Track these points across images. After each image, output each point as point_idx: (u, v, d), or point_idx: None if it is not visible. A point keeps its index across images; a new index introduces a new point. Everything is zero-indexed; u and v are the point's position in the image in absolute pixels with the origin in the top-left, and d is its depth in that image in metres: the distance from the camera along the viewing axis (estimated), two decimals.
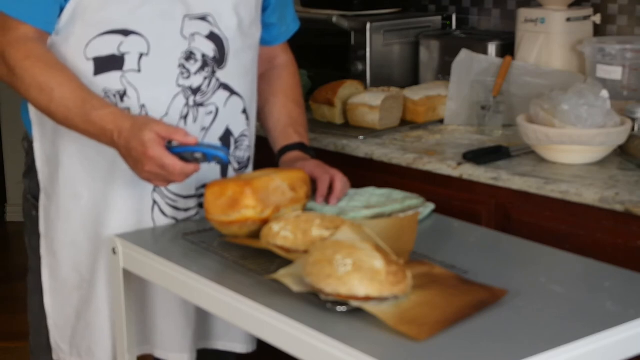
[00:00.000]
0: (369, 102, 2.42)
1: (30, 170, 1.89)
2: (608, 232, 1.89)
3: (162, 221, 1.82)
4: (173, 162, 1.62)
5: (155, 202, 1.82)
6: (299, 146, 1.94)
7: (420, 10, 3.04)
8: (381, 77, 2.73)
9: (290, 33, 2.09)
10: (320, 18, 2.81)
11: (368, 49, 2.70)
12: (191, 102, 1.81)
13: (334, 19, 2.73)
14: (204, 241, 1.62)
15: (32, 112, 1.82)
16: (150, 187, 1.81)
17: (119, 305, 1.68)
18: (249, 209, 1.56)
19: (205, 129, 1.84)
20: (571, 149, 2.04)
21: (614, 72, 2.34)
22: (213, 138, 1.86)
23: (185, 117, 1.81)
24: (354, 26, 2.73)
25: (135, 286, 1.73)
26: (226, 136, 1.89)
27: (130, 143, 1.63)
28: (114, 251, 1.65)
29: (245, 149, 1.94)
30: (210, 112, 1.84)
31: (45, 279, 1.87)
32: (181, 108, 1.80)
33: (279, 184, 1.60)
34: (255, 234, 1.57)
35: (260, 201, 1.56)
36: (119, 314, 1.69)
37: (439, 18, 2.89)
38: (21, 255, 4.56)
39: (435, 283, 1.38)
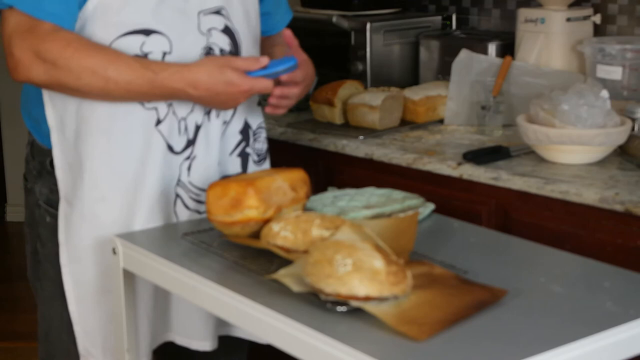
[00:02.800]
0: (369, 102, 2.42)
1: (41, 175, 1.87)
2: (608, 232, 1.89)
3: (185, 215, 1.83)
4: (266, 85, 1.74)
5: (178, 195, 1.82)
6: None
7: (420, 10, 3.04)
8: (381, 77, 2.73)
9: (285, 22, 2.10)
10: (320, 18, 2.81)
11: (368, 49, 2.70)
12: None
13: (334, 19, 2.73)
14: (204, 241, 1.62)
15: (51, 117, 1.79)
16: (174, 181, 1.82)
17: (119, 305, 1.68)
18: (252, 210, 1.55)
19: (226, 123, 1.86)
20: (571, 149, 2.04)
21: (614, 72, 2.34)
22: (233, 132, 1.89)
23: (208, 113, 1.82)
24: (354, 26, 2.73)
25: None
26: (245, 129, 1.91)
27: (217, 88, 1.71)
28: (114, 251, 1.65)
29: (263, 141, 1.97)
30: None
31: (68, 287, 1.83)
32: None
33: (281, 184, 1.60)
34: (257, 234, 1.57)
35: (262, 201, 1.56)
36: (118, 315, 1.69)
37: (439, 18, 2.90)
38: (21, 255, 4.56)
39: (435, 283, 1.38)
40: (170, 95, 1.73)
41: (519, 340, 1.24)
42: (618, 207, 1.85)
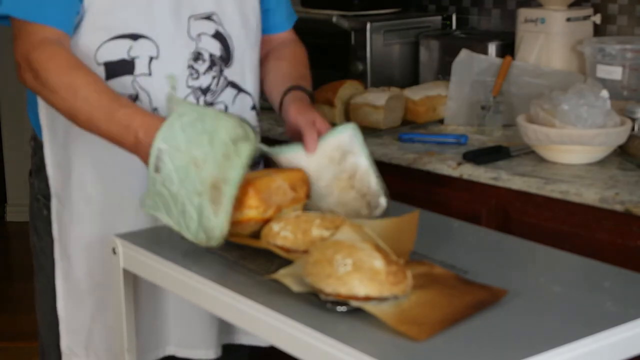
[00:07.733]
0: (372, 102, 2.42)
1: (40, 171, 1.88)
2: (608, 232, 1.89)
3: None
4: None
5: None
6: (293, 88, 1.86)
7: (420, 10, 3.04)
8: (381, 77, 2.73)
9: (288, 23, 2.05)
10: (320, 18, 2.81)
11: (368, 49, 2.70)
12: (202, 102, 1.81)
13: (334, 19, 2.73)
14: None
15: (43, 115, 1.81)
16: None
17: (119, 305, 1.68)
18: (252, 209, 1.55)
19: None
20: (571, 149, 2.04)
21: (614, 72, 2.34)
22: None
23: None
24: (354, 26, 2.73)
25: (147, 286, 1.73)
26: None
27: None
28: (114, 251, 1.65)
29: None
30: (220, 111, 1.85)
31: (59, 283, 1.85)
32: None
33: (280, 183, 1.60)
34: (257, 234, 1.57)
35: (262, 201, 1.56)
36: (118, 315, 1.69)
37: (439, 18, 2.90)
38: (22, 255, 4.56)
39: (435, 283, 1.38)
40: (122, 134, 1.62)
41: (519, 340, 1.24)
42: (618, 207, 1.85)
